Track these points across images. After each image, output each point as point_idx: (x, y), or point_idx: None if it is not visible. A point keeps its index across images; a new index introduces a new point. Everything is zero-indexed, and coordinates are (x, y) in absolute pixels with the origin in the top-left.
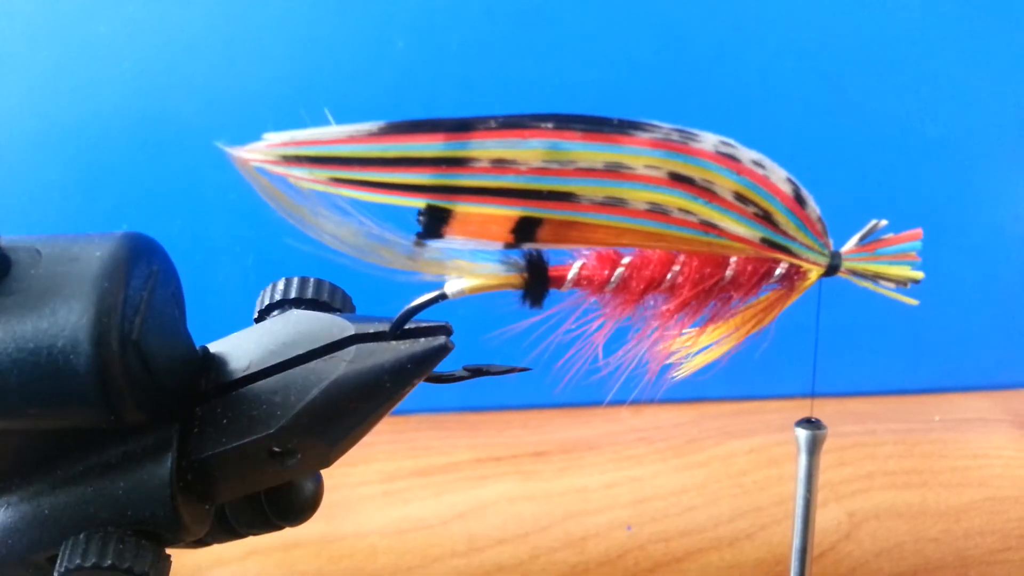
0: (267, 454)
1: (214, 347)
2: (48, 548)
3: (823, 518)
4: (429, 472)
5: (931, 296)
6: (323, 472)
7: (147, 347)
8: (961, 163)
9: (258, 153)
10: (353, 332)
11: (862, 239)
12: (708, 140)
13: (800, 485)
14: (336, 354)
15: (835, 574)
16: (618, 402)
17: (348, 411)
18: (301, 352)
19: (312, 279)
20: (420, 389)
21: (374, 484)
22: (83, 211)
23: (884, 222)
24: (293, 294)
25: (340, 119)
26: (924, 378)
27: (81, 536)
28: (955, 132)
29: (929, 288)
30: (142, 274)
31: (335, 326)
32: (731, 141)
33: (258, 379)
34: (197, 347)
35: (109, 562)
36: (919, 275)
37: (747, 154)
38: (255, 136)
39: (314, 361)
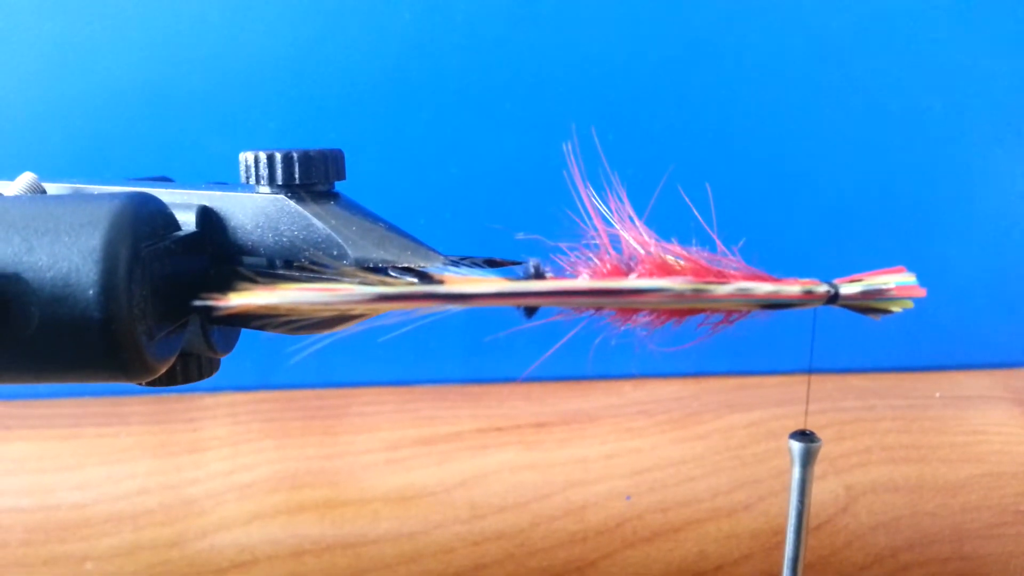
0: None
1: (212, 203)
2: None
3: (821, 490)
4: (432, 441)
5: (934, 275)
6: (328, 441)
7: (160, 331)
8: (965, 141)
9: (233, 305)
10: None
11: (866, 290)
12: (723, 289)
13: (793, 496)
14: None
15: (831, 546)
16: (621, 375)
17: (351, 319)
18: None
19: (297, 159)
20: (425, 362)
21: (378, 452)
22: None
23: (893, 281)
24: (280, 179)
25: (347, 92)
26: (926, 356)
27: None
28: (960, 110)
29: (932, 267)
30: (138, 272)
31: (332, 245)
32: (747, 286)
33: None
34: (193, 211)
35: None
36: (909, 304)
37: (762, 288)
38: (260, 105)
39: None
